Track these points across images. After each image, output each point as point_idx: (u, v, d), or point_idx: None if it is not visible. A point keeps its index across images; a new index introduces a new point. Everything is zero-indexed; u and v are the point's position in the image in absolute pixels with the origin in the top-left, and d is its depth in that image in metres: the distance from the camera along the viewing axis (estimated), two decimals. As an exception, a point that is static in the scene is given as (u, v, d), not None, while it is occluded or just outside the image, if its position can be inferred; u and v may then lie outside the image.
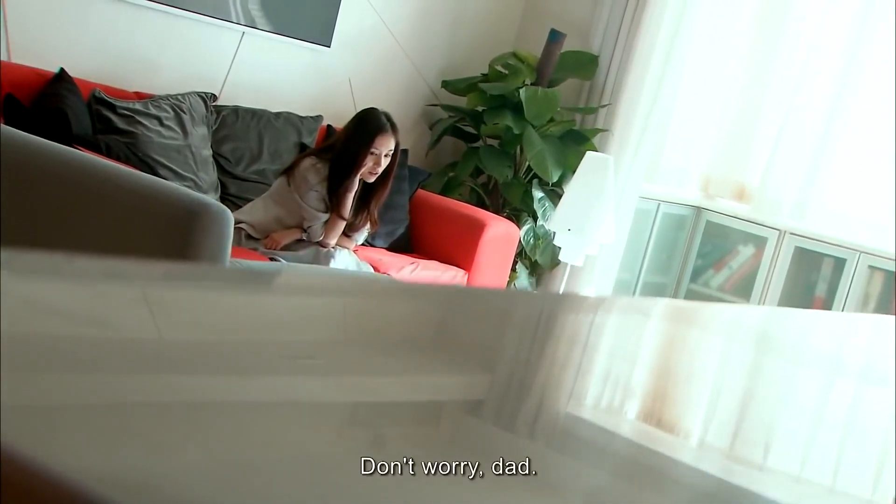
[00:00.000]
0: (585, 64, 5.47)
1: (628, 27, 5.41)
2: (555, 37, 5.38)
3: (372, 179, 4.15)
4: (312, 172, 4.12)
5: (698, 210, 5.99)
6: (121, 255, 2.58)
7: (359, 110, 4.35)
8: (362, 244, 4.44)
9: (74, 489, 0.53)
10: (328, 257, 4.13)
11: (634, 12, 5.40)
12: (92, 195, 2.62)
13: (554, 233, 4.99)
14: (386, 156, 4.12)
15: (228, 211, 2.54)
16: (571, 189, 4.56)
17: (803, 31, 5.70)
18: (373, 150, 4.09)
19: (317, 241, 4.18)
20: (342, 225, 4.18)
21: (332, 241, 4.19)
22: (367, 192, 4.20)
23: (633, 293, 5.87)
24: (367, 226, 4.29)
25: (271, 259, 4.08)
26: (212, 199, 2.60)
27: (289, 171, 4.19)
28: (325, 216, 4.17)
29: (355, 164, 4.09)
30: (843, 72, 5.59)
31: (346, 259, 4.20)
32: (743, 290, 5.90)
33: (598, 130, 5.37)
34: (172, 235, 2.52)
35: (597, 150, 5.16)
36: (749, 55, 5.87)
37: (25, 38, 4.17)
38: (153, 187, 2.60)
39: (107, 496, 0.53)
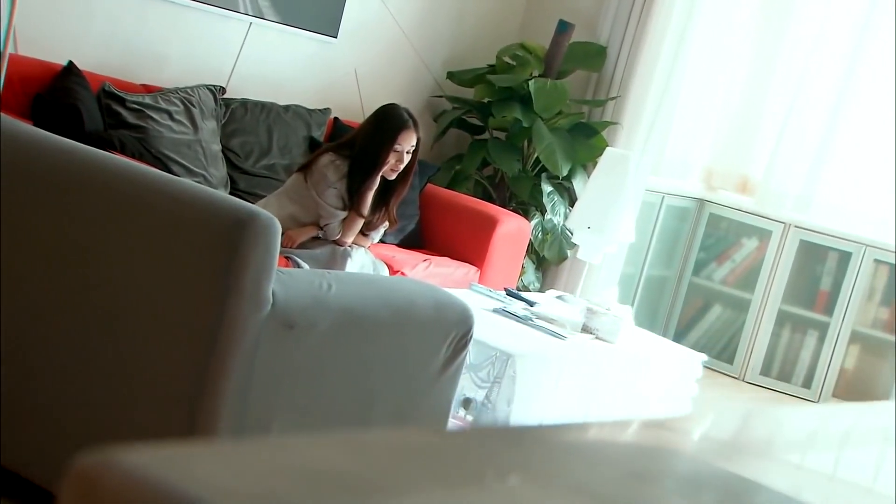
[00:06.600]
0: (593, 55, 5.39)
1: (637, 18, 5.33)
2: (563, 27, 5.29)
3: (393, 177, 4.04)
4: (332, 169, 4.00)
5: (701, 202, 5.94)
6: (162, 268, 2.47)
7: (370, 103, 4.25)
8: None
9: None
10: (345, 257, 4.03)
11: (644, 3, 5.31)
12: (132, 204, 2.50)
13: (569, 230, 4.91)
14: (408, 152, 4.01)
15: (277, 221, 2.44)
16: (590, 186, 4.47)
17: (808, 25, 5.66)
18: (396, 146, 3.98)
19: (333, 239, 4.08)
20: (360, 223, 4.08)
21: (350, 240, 4.09)
22: (386, 190, 4.09)
23: (637, 287, 5.81)
24: (385, 224, 4.18)
25: (287, 258, 3.97)
26: (259, 208, 2.49)
27: (306, 168, 4.07)
28: (343, 214, 4.06)
29: (378, 162, 3.97)
30: (847, 65, 5.56)
31: (363, 259, 4.10)
32: (746, 283, 5.85)
33: (607, 123, 5.29)
34: (219, 247, 2.41)
35: (607, 144, 5.08)
36: (754, 48, 5.82)
37: (32, 30, 4.03)
38: (198, 195, 2.48)
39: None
